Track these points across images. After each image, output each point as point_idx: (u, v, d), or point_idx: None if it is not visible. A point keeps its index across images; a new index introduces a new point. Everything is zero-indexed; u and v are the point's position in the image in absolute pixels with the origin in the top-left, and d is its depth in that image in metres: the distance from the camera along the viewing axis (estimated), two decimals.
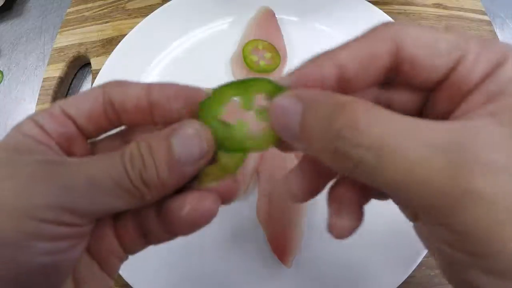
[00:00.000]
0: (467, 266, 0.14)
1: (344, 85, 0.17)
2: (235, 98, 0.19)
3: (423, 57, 0.16)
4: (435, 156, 0.13)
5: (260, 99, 0.18)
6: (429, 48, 0.16)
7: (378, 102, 0.18)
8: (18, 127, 0.18)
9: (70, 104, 0.19)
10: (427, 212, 0.14)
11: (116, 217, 0.19)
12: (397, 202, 0.18)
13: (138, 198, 0.16)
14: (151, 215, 0.18)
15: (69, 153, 0.19)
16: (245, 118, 0.18)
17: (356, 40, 0.18)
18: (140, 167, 0.16)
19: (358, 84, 0.17)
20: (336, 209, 0.18)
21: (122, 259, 0.20)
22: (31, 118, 0.18)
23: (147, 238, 0.19)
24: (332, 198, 0.19)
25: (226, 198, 0.19)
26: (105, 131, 0.19)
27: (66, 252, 0.16)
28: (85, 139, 0.19)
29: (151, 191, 0.16)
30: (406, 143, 0.13)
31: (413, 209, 0.17)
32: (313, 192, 0.19)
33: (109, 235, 0.19)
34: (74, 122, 0.18)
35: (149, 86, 0.19)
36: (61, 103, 0.19)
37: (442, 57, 0.16)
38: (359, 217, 0.19)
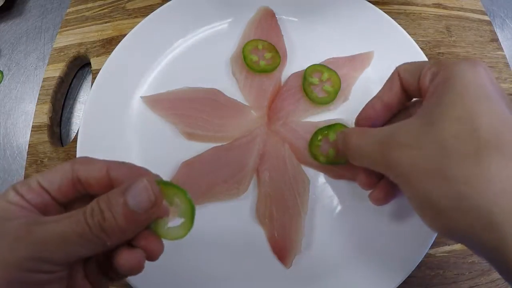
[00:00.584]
0: (415, 180, 0.24)
1: (388, 108, 0.32)
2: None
3: (406, 77, 0.30)
4: (373, 145, 0.27)
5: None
6: (407, 70, 0.30)
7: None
8: (2, 196, 0.22)
9: (45, 178, 0.23)
10: (380, 170, 0.28)
11: (85, 262, 0.24)
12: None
13: (100, 245, 0.20)
14: (104, 260, 0.23)
15: (47, 215, 0.22)
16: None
17: (385, 83, 0.32)
18: (100, 219, 0.20)
19: (394, 104, 0.31)
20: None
21: None
22: (13, 188, 0.22)
23: (107, 276, 0.24)
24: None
25: (151, 256, 0.23)
26: (75, 200, 0.24)
27: None
28: (58, 205, 0.23)
29: (112, 238, 0.20)
30: (364, 143, 0.29)
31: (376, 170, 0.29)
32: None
33: (80, 277, 0.23)
34: (48, 193, 0.23)
35: (109, 166, 0.23)
36: (38, 177, 0.23)
37: (412, 75, 0.29)
38: (387, 193, 0.31)
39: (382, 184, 0.31)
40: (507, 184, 0.21)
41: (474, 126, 0.22)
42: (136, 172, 0.24)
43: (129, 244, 0.22)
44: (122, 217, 0.20)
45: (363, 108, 0.33)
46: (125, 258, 0.22)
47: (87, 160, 0.24)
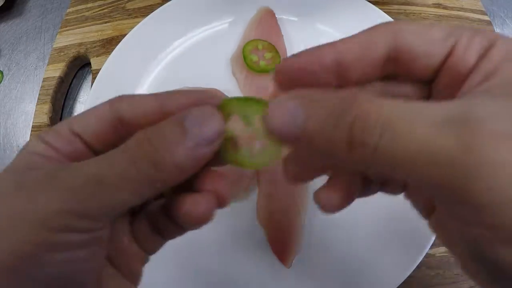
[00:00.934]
0: (489, 242, 0.13)
1: (343, 76, 0.17)
2: (239, 115, 0.18)
3: (419, 45, 0.16)
4: (442, 133, 0.13)
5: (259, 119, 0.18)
6: (425, 36, 0.16)
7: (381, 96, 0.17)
8: (24, 147, 0.17)
9: (77, 122, 0.18)
10: (442, 191, 0.14)
11: (131, 219, 0.19)
12: (411, 192, 0.20)
13: (150, 188, 0.15)
14: (159, 212, 0.19)
15: None
16: (249, 136, 0.18)
17: (355, 34, 0.18)
18: (150, 151, 0.15)
19: (357, 75, 0.17)
20: (330, 182, 0.19)
21: (143, 262, 0.20)
22: (38, 136, 0.18)
23: (162, 235, 0.20)
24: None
25: (221, 201, 0.19)
26: (114, 146, 0.17)
27: (86, 262, 0.16)
28: (94, 154, 0.18)
29: (166, 177, 0.15)
30: (414, 123, 0.13)
31: (428, 191, 0.16)
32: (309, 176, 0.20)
33: (127, 239, 0.18)
34: (82, 139, 0.18)
35: (161, 98, 0.18)
36: (68, 121, 0.18)
37: (437, 44, 0.16)
38: (348, 198, 0.20)
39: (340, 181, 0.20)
40: None
41: None
42: (197, 100, 0.18)
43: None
44: (180, 149, 0.15)
45: (297, 55, 0.18)
46: (191, 203, 0.17)
47: (129, 97, 0.18)
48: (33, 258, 0.14)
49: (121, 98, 0.18)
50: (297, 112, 0.15)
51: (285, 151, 0.18)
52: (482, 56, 0.16)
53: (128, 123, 0.18)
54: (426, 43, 0.16)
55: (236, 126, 0.18)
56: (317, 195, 0.19)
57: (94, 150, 0.18)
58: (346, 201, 0.20)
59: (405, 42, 0.16)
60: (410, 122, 0.13)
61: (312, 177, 0.21)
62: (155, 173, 0.15)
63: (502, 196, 0.12)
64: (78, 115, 0.19)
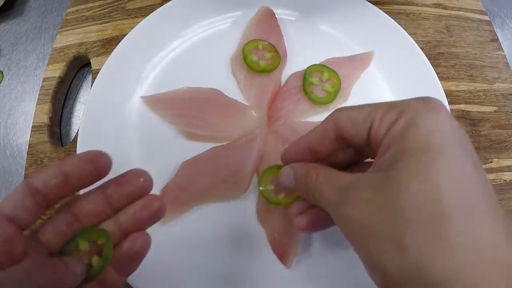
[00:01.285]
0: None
1: (315, 154, 0.29)
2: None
3: (349, 129, 0.25)
4: (332, 192, 0.25)
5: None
6: (352, 120, 0.25)
7: (343, 159, 0.29)
8: None
9: (3, 207, 0.21)
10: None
11: None
12: None
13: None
14: None
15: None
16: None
17: (315, 128, 0.28)
18: None
19: (323, 152, 0.28)
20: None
21: None
22: None
23: None
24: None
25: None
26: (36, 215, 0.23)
27: None
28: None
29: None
30: (328, 185, 0.25)
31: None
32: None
33: None
34: (10, 220, 0.21)
35: (64, 170, 0.23)
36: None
37: (360, 125, 0.24)
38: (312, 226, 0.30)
39: (313, 212, 0.29)
40: (470, 256, 0.18)
41: (436, 195, 0.19)
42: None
43: None
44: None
45: (288, 147, 0.31)
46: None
47: (42, 171, 0.23)
48: None
49: (35, 177, 0.22)
50: (290, 174, 0.29)
51: None
52: (386, 132, 0.23)
53: (42, 193, 0.22)
54: (353, 126, 0.25)
55: None
56: (295, 219, 0.30)
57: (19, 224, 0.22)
58: (312, 226, 0.30)
59: (342, 127, 0.26)
60: (327, 183, 0.25)
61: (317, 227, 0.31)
62: None
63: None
64: (3, 203, 0.22)
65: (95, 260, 0.24)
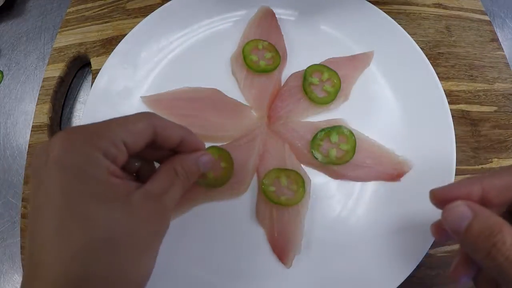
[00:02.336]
0: None
1: (485, 203, 0.24)
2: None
3: None
4: None
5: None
6: None
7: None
8: (93, 164, 0.23)
9: (129, 139, 0.25)
10: None
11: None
12: None
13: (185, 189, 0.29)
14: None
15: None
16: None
17: (500, 171, 0.25)
18: (186, 179, 0.29)
19: (498, 202, 0.24)
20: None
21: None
22: (97, 149, 0.24)
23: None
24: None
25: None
26: (141, 154, 0.28)
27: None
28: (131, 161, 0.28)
29: (189, 184, 0.30)
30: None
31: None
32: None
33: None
34: (128, 150, 0.25)
35: (183, 137, 0.29)
36: (118, 133, 0.25)
37: None
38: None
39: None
40: None
41: None
42: (196, 143, 0.30)
43: None
44: (195, 175, 0.30)
45: (454, 185, 0.26)
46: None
47: (166, 124, 0.28)
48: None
49: (156, 117, 0.27)
50: (466, 217, 0.23)
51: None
52: None
53: (158, 142, 0.28)
54: None
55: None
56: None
57: (132, 156, 0.27)
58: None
59: None
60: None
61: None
62: (188, 185, 0.29)
63: None
64: (128, 129, 0.25)
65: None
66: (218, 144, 0.39)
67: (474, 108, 0.44)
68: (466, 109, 0.44)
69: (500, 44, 0.48)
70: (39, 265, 0.22)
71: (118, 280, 0.23)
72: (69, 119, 0.48)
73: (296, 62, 0.44)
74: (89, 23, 0.50)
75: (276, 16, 0.46)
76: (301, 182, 0.36)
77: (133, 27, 0.45)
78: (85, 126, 0.25)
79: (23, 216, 0.40)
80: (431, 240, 0.35)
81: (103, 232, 0.22)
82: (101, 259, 0.22)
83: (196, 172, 0.30)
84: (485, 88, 0.46)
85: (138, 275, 0.24)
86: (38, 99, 0.45)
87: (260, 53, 0.43)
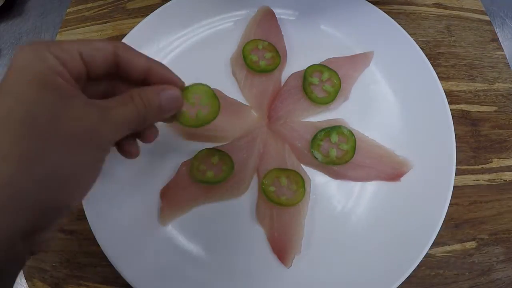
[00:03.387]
0: None
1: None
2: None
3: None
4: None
5: None
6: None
7: None
8: (40, 58, 0.23)
9: (87, 51, 0.25)
10: None
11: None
12: None
13: (142, 124, 0.27)
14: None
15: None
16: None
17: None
18: (143, 110, 0.27)
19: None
20: None
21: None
22: (51, 52, 0.23)
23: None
24: None
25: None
26: (97, 77, 0.27)
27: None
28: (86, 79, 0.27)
29: (148, 121, 0.28)
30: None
31: None
32: None
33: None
34: (85, 65, 0.25)
35: (151, 65, 0.29)
36: (76, 44, 0.25)
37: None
38: None
39: None
40: None
41: None
42: (168, 78, 0.30)
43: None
44: (156, 109, 0.28)
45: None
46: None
47: (130, 50, 0.28)
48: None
49: (122, 46, 0.27)
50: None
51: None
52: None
53: (122, 67, 0.27)
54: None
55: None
56: None
57: (89, 75, 0.26)
58: None
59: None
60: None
61: None
62: (145, 119, 0.27)
63: None
64: (86, 43, 0.25)
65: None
66: (218, 144, 0.39)
67: (474, 108, 0.44)
68: (466, 109, 0.44)
69: (500, 44, 0.48)
70: None
71: (26, 158, 0.21)
72: None
73: (296, 62, 0.44)
74: (89, 23, 0.50)
75: (276, 16, 0.46)
76: (301, 182, 0.37)
77: (133, 27, 0.44)
78: (50, 41, 0.26)
79: None
80: (431, 240, 0.35)
81: (24, 109, 0.22)
82: (14, 134, 0.21)
83: (156, 105, 0.28)
84: (485, 88, 0.46)
85: (60, 164, 0.22)
86: None
87: (260, 53, 0.43)
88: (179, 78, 0.31)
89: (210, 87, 0.33)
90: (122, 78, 0.28)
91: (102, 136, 0.25)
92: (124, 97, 0.27)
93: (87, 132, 0.23)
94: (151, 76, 0.29)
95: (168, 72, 0.30)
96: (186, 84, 0.32)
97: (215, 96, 0.33)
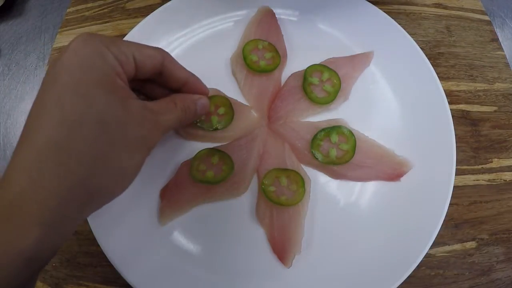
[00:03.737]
0: None
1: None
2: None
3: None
4: None
5: None
6: None
7: None
8: (101, 56, 0.25)
9: (140, 57, 0.28)
10: None
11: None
12: None
13: (181, 125, 0.34)
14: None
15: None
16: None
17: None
18: (184, 115, 0.32)
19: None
20: None
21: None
22: (110, 51, 0.26)
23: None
24: None
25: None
26: (144, 82, 0.32)
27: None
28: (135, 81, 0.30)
29: (184, 124, 0.34)
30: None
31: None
32: None
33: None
34: (137, 69, 0.28)
35: (188, 79, 0.34)
36: (131, 48, 0.27)
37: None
38: None
39: None
40: None
41: None
42: (200, 89, 0.34)
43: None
44: (192, 115, 0.33)
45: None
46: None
47: (174, 61, 0.32)
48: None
49: (169, 57, 0.31)
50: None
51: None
52: None
53: (165, 76, 0.31)
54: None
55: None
56: None
57: (135, 77, 0.29)
58: None
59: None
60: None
61: None
62: (185, 121, 0.32)
63: None
64: (140, 48, 0.28)
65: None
66: (218, 144, 0.39)
67: (474, 108, 0.45)
68: (466, 109, 0.44)
69: (500, 44, 0.48)
70: (30, 130, 0.24)
71: (96, 160, 0.24)
72: None
73: (296, 62, 0.44)
74: (89, 23, 0.50)
75: (276, 16, 0.46)
76: (301, 182, 0.37)
77: (133, 27, 0.44)
78: (104, 35, 0.27)
79: None
80: (431, 240, 0.35)
81: (96, 112, 0.24)
82: (87, 136, 0.23)
83: (193, 111, 0.33)
84: (485, 88, 0.46)
85: (119, 165, 0.25)
86: None
87: (260, 53, 0.43)
88: (207, 88, 0.35)
89: (228, 99, 0.40)
90: (159, 83, 0.32)
91: (154, 141, 0.28)
92: (169, 103, 0.30)
93: (144, 137, 0.27)
94: (187, 86, 0.33)
95: (200, 83, 0.35)
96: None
97: (231, 106, 0.40)
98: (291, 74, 0.43)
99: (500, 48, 0.48)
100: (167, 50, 0.45)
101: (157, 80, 0.32)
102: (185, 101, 0.32)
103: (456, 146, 0.38)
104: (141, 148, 0.27)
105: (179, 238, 0.36)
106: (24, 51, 0.52)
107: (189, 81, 0.33)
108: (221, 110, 0.39)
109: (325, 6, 0.46)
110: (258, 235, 0.36)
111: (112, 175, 0.25)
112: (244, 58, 0.42)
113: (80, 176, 0.23)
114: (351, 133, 0.38)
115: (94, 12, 0.51)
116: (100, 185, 0.25)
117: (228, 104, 0.40)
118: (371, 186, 0.38)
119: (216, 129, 0.39)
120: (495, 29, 0.49)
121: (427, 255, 0.35)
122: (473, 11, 0.50)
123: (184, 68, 0.33)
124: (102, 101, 0.24)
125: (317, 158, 0.38)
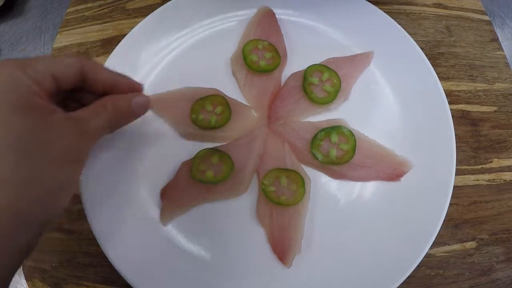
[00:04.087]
0: None
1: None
2: None
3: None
4: None
5: None
6: None
7: None
8: (16, 82, 0.25)
9: (57, 71, 0.27)
10: None
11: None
12: None
13: (115, 128, 0.31)
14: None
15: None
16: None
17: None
18: (115, 116, 0.30)
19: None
20: None
21: None
22: (25, 73, 0.25)
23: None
24: None
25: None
26: (65, 91, 0.30)
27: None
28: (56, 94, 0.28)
29: (119, 124, 0.32)
30: None
31: None
32: None
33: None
34: (55, 81, 0.27)
35: (115, 80, 0.32)
36: (45, 63, 0.27)
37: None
38: None
39: None
40: None
41: None
42: (131, 87, 0.33)
43: None
44: (128, 115, 0.32)
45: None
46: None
47: (95, 65, 0.30)
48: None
49: (88, 62, 0.30)
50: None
51: None
52: None
53: (88, 82, 0.30)
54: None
55: None
56: None
57: (58, 90, 0.28)
58: None
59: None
60: None
61: None
62: (117, 123, 0.31)
63: None
64: (55, 62, 0.28)
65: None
66: (218, 144, 0.39)
67: (474, 108, 0.45)
68: (466, 109, 0.44)
69: (500, 44, 0.48)
70: None
71: (21, 185, 0.23)
72: None
73: (296, 62, 0.44)
74: (89, 23, 0.50)
75: (276, 16, 0.46)
76: (301, 182, 0.37)
77: (133, 27, 0.44)
78: (18, 58, 0.27)
79: None
80: (431, 240, 0.35)
81: (15, 137, 0.23)
82: (8, 163, 0.23)
83: (127, 110, 0.32)
84: (485, 88, 0.46)
85: (50, 183, 0.25)
86: None
87: (260, 53, 0.43)
88: (139, 84, 0.34)
89: (225, 98, 0.40)
90: (87, 89, 0.31)
91: (83, 151, 0.27)
92: (97, 107, 0.29)
93: (70, 149, 0.26)
94: (116, 87, 0.32)
95: (130, 81, 0.33)
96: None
97: (228, 105, 0.40)
98: (291, 74, 0.43)
99: (500, 48, 0.48)
100: (167, 50, 0.46)
101: (84, 87, 0.31)
102: (116, 101, 0.31)
103: (456, 146, 0.38)
104: (70, 161, 0.26)
105: (179, 238, 0.36)
106: (24, 51, 0.52)
107: (117, 81, 0.32)
108: (219, 109, 0.40)
109: (325, 6, 0.46)
110: (258, 235, 0.36)
111: (44, 194, 0.24)
112: (244, 58, 0.42)
113: (7, 204, 0.23)
114: (351, 133, 0.38)
115: (94, 12, 0.51)
116: (31, 209, 0.24)
117: (225, 103, 0.40)
118: (371, 186, 0.38)
119: (214, 127, 0.39)
120: (495, 29, 0.49)
121: (427, 255, 0.35)
122: (473, 11, 0.50)
123: (108, 70, 0.32)
124: (19, 125, 0.24)
125: (317, 158, 0.38)
